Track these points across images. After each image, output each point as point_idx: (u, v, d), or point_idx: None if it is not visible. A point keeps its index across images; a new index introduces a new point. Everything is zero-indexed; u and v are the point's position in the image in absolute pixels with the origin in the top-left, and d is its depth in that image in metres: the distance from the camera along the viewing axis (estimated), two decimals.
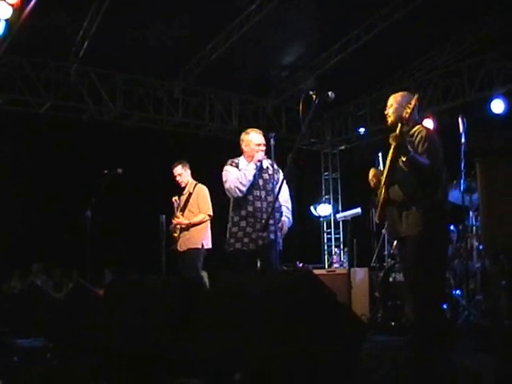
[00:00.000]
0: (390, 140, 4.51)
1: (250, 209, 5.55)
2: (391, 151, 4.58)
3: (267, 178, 5.61)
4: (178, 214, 7.04)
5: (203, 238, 6.99)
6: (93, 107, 10.22)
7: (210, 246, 7.06)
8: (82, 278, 6.47)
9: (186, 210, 7.05)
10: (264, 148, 5.64)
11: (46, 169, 10.42)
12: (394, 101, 4.80)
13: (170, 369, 3.41)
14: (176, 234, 7.06)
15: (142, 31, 8.91)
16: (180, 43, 9.33)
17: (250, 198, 5.58)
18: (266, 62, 10.15)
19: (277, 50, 9.89)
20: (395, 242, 5.80)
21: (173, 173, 7.20)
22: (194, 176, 7.24)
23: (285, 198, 5.65)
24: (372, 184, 4.94)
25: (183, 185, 7.19)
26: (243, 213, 5.57)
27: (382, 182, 4.74)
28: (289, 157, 4.79)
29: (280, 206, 5.59)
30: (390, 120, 4.80)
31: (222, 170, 5.68)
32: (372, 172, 4.97)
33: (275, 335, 3.03)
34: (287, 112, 11.89)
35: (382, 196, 4.74)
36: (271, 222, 5.22)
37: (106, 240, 9.05)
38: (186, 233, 7.00)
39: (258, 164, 5.60)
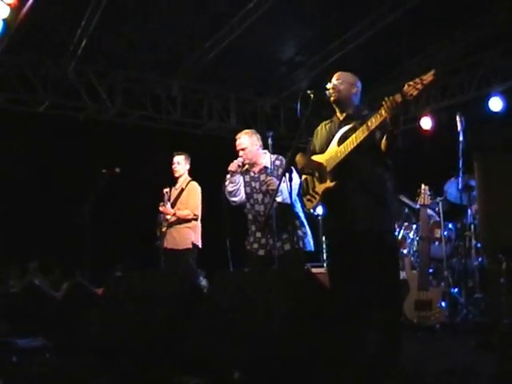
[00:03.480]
0: (384, 111, 3.83)
1: (253, 213, 5.57)
2: (371, 125, 3.96)
3: (264, 178, 5.49)
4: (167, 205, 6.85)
5: (192, 238, 6.83)
6: (91, 106, 10.18)
7: (199, 244, 6.90)
8: (81, 276, 6.46)
9: (176, 206, 6.89)
10: (240, 152, 5.54)
11: (43, 168, 10.41)
12: (345, 79, 4.53)
13: (170, 367, 3.40)
14: (164, 229, 6.86)
15: (139, 29, 8.87)
16: (178, 41, 9.30)
17: (251, 201, 5.57)
18: (264, 61, 10.11)
19: (275, 48, 9.86)
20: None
21: (172, 159, 7.03)
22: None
23: (283, 196, 5.16)
24: (306, 171, 4.49)
25: (177, 174, 7.02)
26: (249, 216, 5.61)
27: (329, 167, 4.26)
28: (287, 155, 4.73)
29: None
30: (336, 96, 4.43)
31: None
32: (304, 158, 4.54)
33: (274, 334, 3.03)
34: (286, 111, 11.85)
35: (329, 183, 4.23)
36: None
37: (104, 239, 9.04)
38: (172, 230, 6.83)
39: (231, 174, 5.49)
